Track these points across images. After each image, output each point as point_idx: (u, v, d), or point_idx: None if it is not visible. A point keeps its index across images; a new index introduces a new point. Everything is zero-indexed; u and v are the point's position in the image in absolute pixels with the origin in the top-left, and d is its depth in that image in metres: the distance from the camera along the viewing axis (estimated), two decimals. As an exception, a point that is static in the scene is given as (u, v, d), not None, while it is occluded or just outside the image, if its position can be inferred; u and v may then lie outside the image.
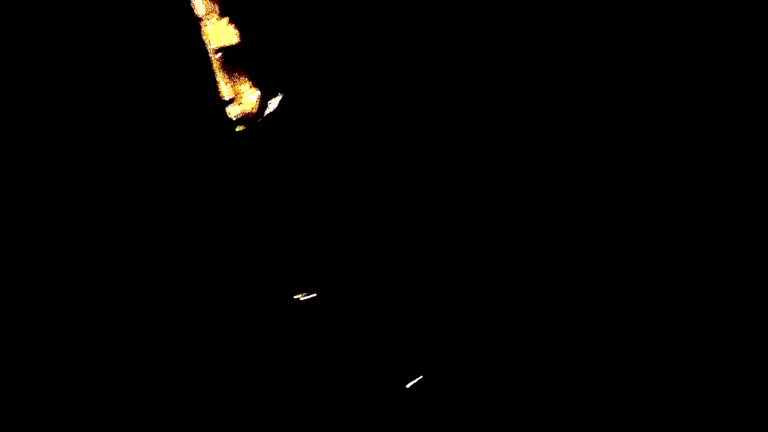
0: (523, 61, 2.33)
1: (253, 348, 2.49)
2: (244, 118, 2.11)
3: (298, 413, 2.32)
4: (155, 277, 2.60)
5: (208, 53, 1.95)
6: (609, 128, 2.31)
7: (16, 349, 2.40)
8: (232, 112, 2.09)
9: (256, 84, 2.07)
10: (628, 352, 2.24)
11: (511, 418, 2.24)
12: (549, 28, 2.27)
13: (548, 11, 2.25)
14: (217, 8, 1.95)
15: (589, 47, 2.25)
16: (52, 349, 2.45)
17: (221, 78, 2.01)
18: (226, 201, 2.37)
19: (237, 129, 2.12)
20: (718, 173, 2.19)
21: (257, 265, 2.50)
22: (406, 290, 2.50)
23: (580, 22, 2.24)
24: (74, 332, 2.51)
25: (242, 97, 2.07)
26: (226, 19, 1.95)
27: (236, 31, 1.96)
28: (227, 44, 1.97)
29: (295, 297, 2.45)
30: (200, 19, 1.91)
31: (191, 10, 1.90)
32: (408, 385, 2.31)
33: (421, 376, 2.33)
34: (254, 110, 2.10)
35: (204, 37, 1.93)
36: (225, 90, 2.03)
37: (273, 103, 2.10)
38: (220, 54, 1.98)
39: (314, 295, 2.45)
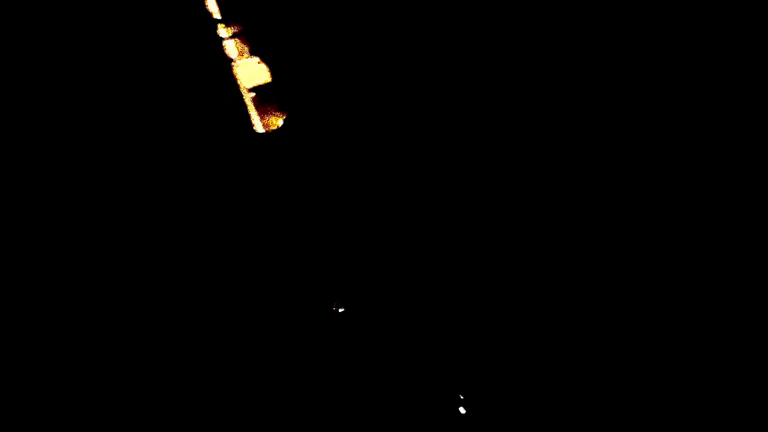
0: (523, 61, 2.33)
1: (253, 348, 2.49)
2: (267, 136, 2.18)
3: (298, 412, 2.32)
4: (158, 278, 2.60)
5: (240, 92, 2.00)
6: (608, 128, 2.31)
7: (31, 347, 2.40)
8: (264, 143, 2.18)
9: (285, 114, 2.13)
10: (627, 352, 2.24)
11: (511, 417, 2.24)
12: (548, 29, 2.28)
13: (548, 12, 2.25)
14: (247, 49, 1.99)
15: (589, 48, 2.26)
16: (53, 348, 2.45)
17: (254, 113, 2.06)
18: (229, 205, 2.38)
19: (252, 143, 2.18)
20: (718, 173, 2.19)
21: (258, 265, 2.50)
22: (406, 290, 2.50)
23: (580, 22, 2.24)
24: (77, 331, 2.51)
25: (273, 128, 2.14)
26: (257, 59, 1.99)
27: (268, 70, 2.00)
28: (260, 83, 2.02)
29: (295, 297, 2.45)
30: (231, 60, 1.95)
31: (222, 51, 1.94)
32: (408, 386, 2.31)
33: (420, 377, 2.33)
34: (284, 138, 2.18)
35: (236, 77, 1.97)
36: (257, 123, 2.09)
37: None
38: (253, 93, 2.03)
39: (314, 295, 2.45)
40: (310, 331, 2.41)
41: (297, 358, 2.43)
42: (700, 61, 2.13)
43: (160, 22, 2.25)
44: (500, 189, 2.45)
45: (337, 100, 2.20)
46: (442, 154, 2.48)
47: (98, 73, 2.33)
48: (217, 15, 1.90)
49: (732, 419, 2.05)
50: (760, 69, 2.04)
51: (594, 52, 2.26)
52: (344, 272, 2.46)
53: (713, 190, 2.20)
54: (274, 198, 2.40)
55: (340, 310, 2.42)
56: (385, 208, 2.52)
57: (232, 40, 1.94)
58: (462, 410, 2.28)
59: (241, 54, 1.95)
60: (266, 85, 2.05)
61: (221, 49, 1.94)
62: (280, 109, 2.07)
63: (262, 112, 2.09)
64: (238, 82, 2.01)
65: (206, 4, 1.90)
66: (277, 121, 2.10)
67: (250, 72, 2.02)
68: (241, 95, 2.04)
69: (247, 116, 2.09)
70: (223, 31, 1.90)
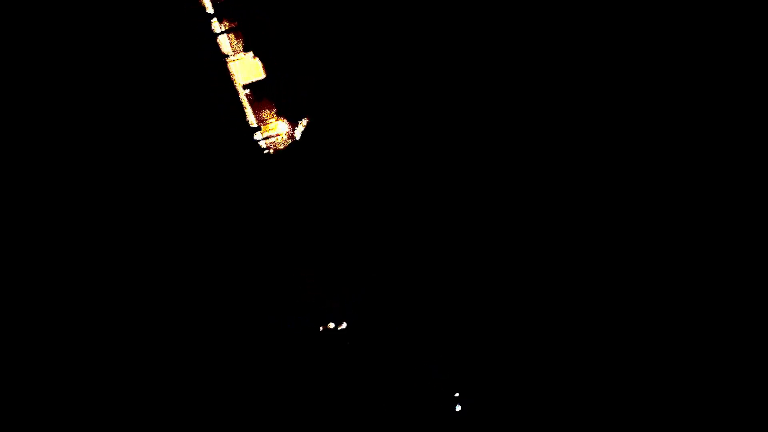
0: (522, 61, 2.33)
1: (253, 348, 2.49)
2: (270, 145, 2.18)
3: (298, 412, 2.32)
4: (159, 278, 2.60)
5: (235, 88, 1.99)
6: (608, 129, 2.31)
7: (37, 345, 2.40)
8: (260, 140, 2.17)
9: (281, 114, 2.13)
10: (627, 352, 2.24)
11: (511, 417, 2.24)
12: (547, 29, 2.27)
13: (548, 12, 2.25)
14: (241, 45, 1.98)
15: (589, 48, 2.25)
16: (55, 347, 2.45)
17: (249, 109, 2.05)
18: (231, 207, 2.38)
19: (260, 152, 2.19)
20: (717, 173, 2.19)
21: (258, 265, 2.50)
22: (406, 291, 2.50)
23: (579, 22, 2.24)
24: (82, 330, 2.51)
25: (269, 127, 2.14)
26: (250, 54, 1.98)
27: (262, 66, 2.00)
28: (254, 79, 2.01)
29: (295, 297, 2.45)
30: (226, 56, 1.94)
31: (218, 48, 1.93)
32: (408, 386, 2.31)
33: (420, 377, 2.33)
34: (281, 137, 2.16)
35: (231, 73, 1.96)
36: (252, 119, 2.08)
37: (298, 130, 2.15)
38: (247, 89, 2.02)
39: (314, 295, 2.45)
40: (310, 331, 2.41)
41: (297, 358, 2.43)
42: (700, 61, 2.13)
43: (155, 19, 2.25)
44: (499, 189, 2.44)
45: (337, 101, 2.20)
46: (442, 154, 2.48)
47: (94, 70, 2.33)
48: (210, 10, 1.89)
49: (732, 419, 2.04)
50: (760, 69, 2.04)
51: (594, 52, 2.25)
52: (344, 272, 2.46)
53: (713, 190, 2.20)
54: (274, 198, 2.40)
55: (340, 310, 2.42)
56: (385, 209, 2.52)
57: (226, 36, 1.94)
58: (462, 410, 2.28)
59: (236, 50, 1.95)
60: (261, 81, 2.04)
61: (216, 45, 1.93)
62: (275, 105, 2.07)
63: (257, 108, 2.08)
64: (233, 79, 2.00)
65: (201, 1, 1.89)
66: (272, 119, 2.09)
67: (245, 68, 2.01)
68: (236, 92, 2.03)
69: (243, 113, 2.09)
70: (217, 26, 1.89)
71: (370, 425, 2.23)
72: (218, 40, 1.93)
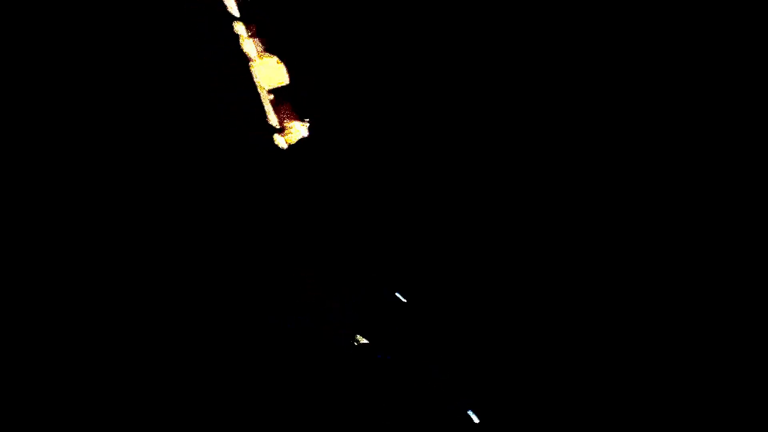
0: (522, 61, 2.33)
1: (253, 348, 2.50)
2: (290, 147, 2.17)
3: (298, 412, 2.32)
4: (159, 278, 2.61)
5: (258, 92, 1.98)
6: (608, 129, 2.31)
7: (35, 346, 2.41)
8: (280, 142, 2.16)
9: (301, 117, 2.12)
10: (627, 352, 2.24)
11: (511, 417, 2.24)
12: (548, 29, 2.27)
13: (548, 12, 2.25)
14: (263, 48, 1.97)
15: (589, 48, 2.26)
16: (58, 347, 2.45)
17: (271, 112, 2.04)
18: (232, 205, 2.38)
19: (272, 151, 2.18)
20: (717, 173, 2.19)
21: (258, 265, 2.50)
22: (406, 291, 2.50)
23: (580, 23, 2.24)
24: (82, 330, 2.52)
25: (290, 131, 2.13)
26: (275, 59, 1.97)
27: (286, 71, 1.98)
28: (278, 84, 1.99)
29: (295, 297, 2.45)
30: (250, 60, 1.92)
31: (242, 51, 1.91)
32: (408, 386, 2.31)
33: (420, 377, 2.33)
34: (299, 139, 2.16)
35: (254, 77, 1.95)
36: (273, 121, 2.07)
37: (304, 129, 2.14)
38: (272, 95, 2.01)
39: (314, 295, 2.45)
40: (310, 331, 2.41)
41: (297, 358, 2.43)
42: (700, 61, 2.13)
43: (178, 21, 2.26)
44: (499, 189, 2.45)
45: (336, 101, 2.20)
46: (442, 154, 2.48)
47: (113, 71, 2.35)
48: (236, 13, 1.88)
49: (732, 419, 2.05)
50: (760, 69, 2.04)
51: (593, 52, 2.25)
52: (344, 272, 2.46)
53: (713, 190, 2.20)
54: (274, 198, 2.40)
55: (340, 311, 2.42)
56: (385, 209, 2.52)
57: (251, 40, 1.93)
58: (461, 410, 2.28)
59: (259, 54, 1.94)
60: (283, 86, 2.04)
61: (239, 48, 1.92)
62: (294, 109, 2.07)
63: (278, 112, 2.07)
64: (257, 82, 2.00)
65: (225, 4, 1.88)
66: (289, 122, 2.09)
67: (268, 72, 2.01)
68: (258, 95, 2.03)
69: (253, 116, 2.09)
70: (241, 29, 1.88)
71: (370, 425, 2.24)
72: (242, 44, 1.91)
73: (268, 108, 2.00)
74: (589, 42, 2.26)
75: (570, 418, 2.21)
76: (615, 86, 2.29)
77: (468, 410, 2.28)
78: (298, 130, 2.12)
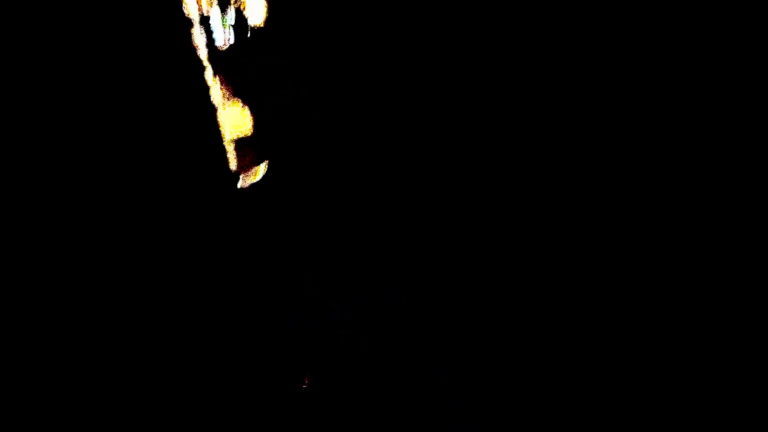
0: (523, 61, 2.33)
1: (253, 348, 2.49)
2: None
3: (298, 413, 2.31)
4: (159, 278, 2.61)
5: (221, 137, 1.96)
6: (608, 129, 2.32)
7: (23, 348, 2.41)
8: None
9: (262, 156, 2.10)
10: (627, 353, 2.24)
11: (511, 417, 2.24)
12: (549, 29, 2.28)
13: (548, 12, 2.25)
14: (231, 93, 1.96)
15: (589, 48, 2.26)
16: (54, 348, 2.45)
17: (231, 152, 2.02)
18: (229, 204, 2.38)
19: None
20: (717, 173, 2.19)
21: (258, 265, 2.50)
22: (406, 291, 2.50)
23: (579, 23, 2.25)
24: (77, 331, 2.52)
25: (250, 171, 2.13)
26: (240, 106, 1.96)
27: (251, 119, 1.97)
28: (242, 134, 1.99)
29: (295, 297, 2.45)
30: (215, 106, 1.91)
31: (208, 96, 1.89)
32: (408, 386, 2.31)
33: (420, 377, 2.33)
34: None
35: (220, 125, 1.94)
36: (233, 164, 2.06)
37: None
38: (234, 144, 2.00)
39: (314, 295, 2.45)
40: (310, 331, 2.40)
41: (297, 358, 2.43)
42: (700, 61, 2.14)
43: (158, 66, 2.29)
44: (499, 189, 2.45)
45: (336, 101, 2.20)
46: (442, 155, 2.48)
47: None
48: (204, 61, 1.87)
49: (732, 419, 2.05)
50: (760, 69, 2.04)
51: (593, 52, 2.26)
52: (344, 272, 2.46)
53: (713, 190, 2.20)
54: (274, 197, 2.40)
55: (340, 311, 2.41)
56: (385, 209, 2.52)
57: (218, 86, 1.91)
58: (461, 410, 2.28)
59: (224, 102, 1.92)
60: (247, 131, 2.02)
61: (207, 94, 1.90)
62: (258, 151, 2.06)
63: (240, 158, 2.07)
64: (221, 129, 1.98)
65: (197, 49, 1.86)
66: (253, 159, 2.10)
67: (233, 119, 1.99)
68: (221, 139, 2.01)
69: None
70: (209, 75, 1.86)
71: (370, 425, 2.23)
72: (210, 90, 1.89)
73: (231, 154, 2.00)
74: (589, 42, 2.27)
75: (570, 418, 2.21)
76: (615, 86, 2.29)
77: (468, 410, 2.28)
78: (260, 173, 2.13)
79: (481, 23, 2.32)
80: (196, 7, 1.76)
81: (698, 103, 2.22)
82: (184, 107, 2.17)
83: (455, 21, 2.32)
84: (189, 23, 1.76)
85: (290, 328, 2.43)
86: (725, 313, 2.23)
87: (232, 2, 1.96)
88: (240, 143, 1.98)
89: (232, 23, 1.98)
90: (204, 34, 1.80)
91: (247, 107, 1.95)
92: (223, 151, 1.95)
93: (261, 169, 2.10)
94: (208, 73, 1.83)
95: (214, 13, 1.89)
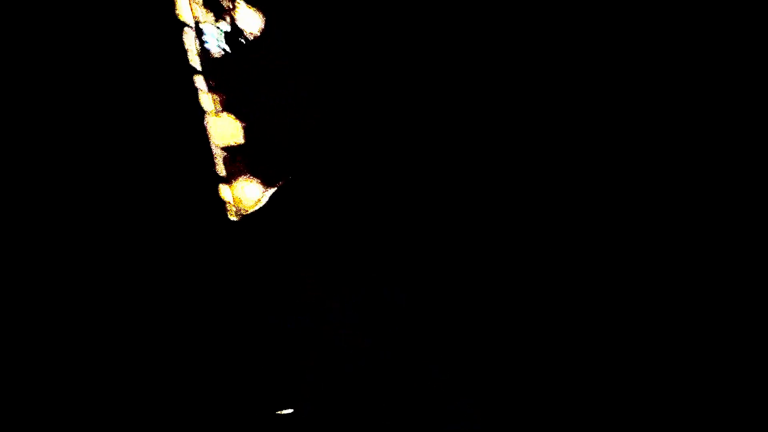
0: (524, 61, 2.31)
1: (253, 348, 2.50)
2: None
3: (298, 412, 2.32)
4: (158, 277, 2.61)
5: (211, 149, 1.95)
6: (608, 129, 2.30)
7: (20, 349, 2.41)
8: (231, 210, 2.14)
9: (256, 177, 2.09)
10: (627, 353, 2.24)
11: (511, 417, 2.24)
12: (549, 29, 2.26)
13: (548, 12, 2.23)
14: (221, 104, 1.94)
15: (589, 48, 2.24)
16: (54, 348, 2.46)
17: (222, 172, 2.01)
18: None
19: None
20: (717, 173, 2.18)
21: (258, 265, 2.50)
22: (406, 291, 2.50)
23: (580, 22, 2.22)
24: (76, 331, 2.52)
25: (242, 195, 2.11)
26: (229, 115, 1.94)
27: (242, 128, 1.95)
28: (232, 143, 1.97)
29: (295, 297, 2.45)
30: (205, 113, 1.89)
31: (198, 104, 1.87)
32: (408, 386, 2.32)
33: (420, 377, 2.34)
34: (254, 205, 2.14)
35: (208, 133, 1.92)
36: (225, 192, 2.05)
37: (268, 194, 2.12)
38: (224, 153, 1.98)
39: (314, 295, 2.45)
40: (310, 331, 2.41)
41: (297, 358, 2.44)
42: (700, 61, 2.12)
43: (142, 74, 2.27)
44: (499, 190, 2.44)
45: (335, 101, 2.19)
46: (442, 155, 2.47)
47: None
48: (197, 67, 1.85)
49: (732, 419, 2.05)
50: (760, 69, 2.02)
51: (594, 52, 2.24)
52: (344, 272, 2.46)
53: (713, 190, 2.19)
54: (274, 197, 2.39)
55: (340, 311, 2.42)
56: (384, 209, 2.51)
57: (209, 95, 1.89)
58: (461, 410, 2.29)
59: (215, 109, 1.90)
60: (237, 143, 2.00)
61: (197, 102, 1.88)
62: (249, 169, 2.04)
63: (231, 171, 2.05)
64: (210, 138, 1.96)
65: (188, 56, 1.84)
66: (246, 181, 2.06)
67: (223, 129, 1.97)
68: (211, 151, 1.99)
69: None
70: (201, 82, 1.84)
71: (370, 425, 2.24)
72: (199, 98, 1.87)
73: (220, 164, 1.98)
74: (590, 42, 2.24)
75: (570, 418, 2.22)
76: (615, 86, 2.27)
77: (468, 410, 2.28)
78: (251, 197, 2.11)
79: (482, 23, 2.29)
80: (190, 13, 1.74)
81: (698, 103, 2.20)
82: (176, 114, 2.16)
83: (455, 21, 2.30)
84: (182, 29, 1.74)
85: (290, 328, 2.43)
86: (725, 313, 2.22)
87: (226, 8, 1.94)
88: (230, 151, 1.98)
89: (227, 30, 1.96)
90: (197, 41, 1.79)
91: (237, 116, 1.94)
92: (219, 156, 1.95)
93: (263, 199, 2.10)
94: (200, 80, 1.82)
95: (208, 20, 1.87)
